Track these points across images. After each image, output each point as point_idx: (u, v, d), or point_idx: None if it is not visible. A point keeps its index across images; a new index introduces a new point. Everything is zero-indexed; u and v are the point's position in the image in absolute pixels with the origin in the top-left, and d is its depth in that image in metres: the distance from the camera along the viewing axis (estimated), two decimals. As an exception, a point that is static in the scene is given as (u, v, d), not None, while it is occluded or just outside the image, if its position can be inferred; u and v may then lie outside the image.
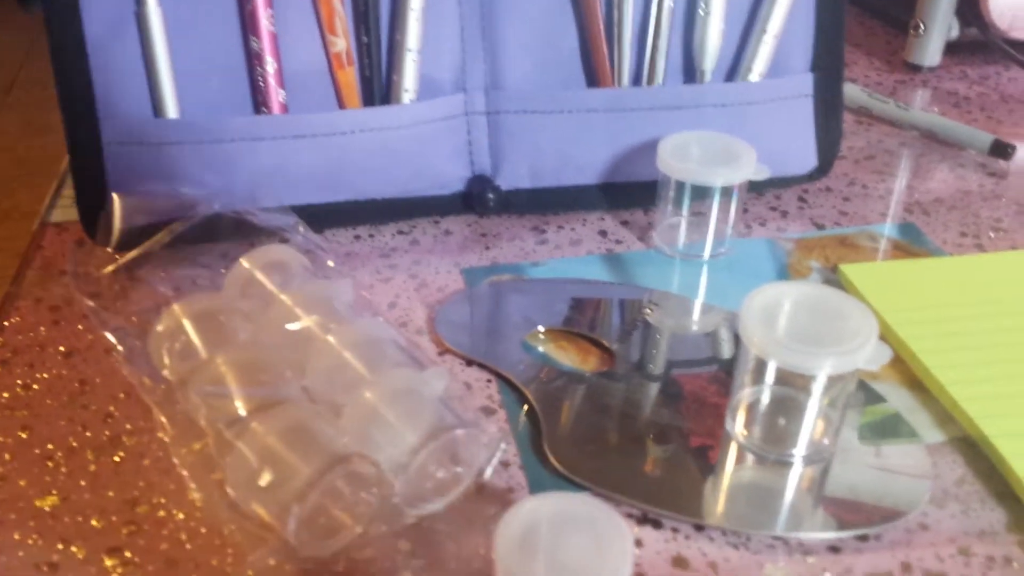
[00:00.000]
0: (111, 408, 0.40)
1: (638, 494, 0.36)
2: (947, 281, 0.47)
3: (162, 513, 0.35)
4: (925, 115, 0.63)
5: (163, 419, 0.37)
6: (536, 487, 0.37)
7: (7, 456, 0.38)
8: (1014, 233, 0.53)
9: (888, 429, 0.39)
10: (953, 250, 0.51)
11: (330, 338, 0.38)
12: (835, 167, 0.57)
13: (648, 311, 0.46)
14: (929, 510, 0.35)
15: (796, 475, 0.37)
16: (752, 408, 0.39)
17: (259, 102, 0.50)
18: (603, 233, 0.53)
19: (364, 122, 0.50)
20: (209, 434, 0.35)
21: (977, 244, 0.52)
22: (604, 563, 0.28)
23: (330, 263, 0.46)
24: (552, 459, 0.37)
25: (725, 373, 0.42)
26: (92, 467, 0.37)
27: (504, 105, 0.52)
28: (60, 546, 0.34)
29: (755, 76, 0.54)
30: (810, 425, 0.37)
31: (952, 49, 0.73)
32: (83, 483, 0.36)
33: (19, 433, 0.39)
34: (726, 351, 0.44)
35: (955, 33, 0.71)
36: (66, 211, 0.54)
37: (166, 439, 0.37)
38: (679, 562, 0.34)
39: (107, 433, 0.39)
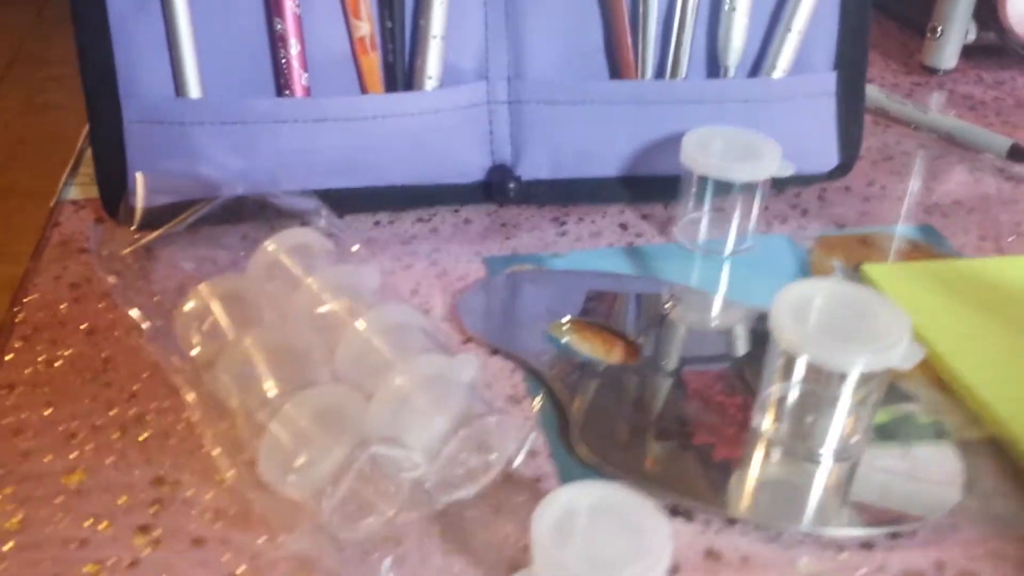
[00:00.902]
0: (134, 387, 0.40)
1: (669, 486, 0.36)
2: (971, 283, 0.47)
3: (190, 492, 0.35)
4: (944, 118, 0.64)
5: (190, 399, 0.37)
6: (565, 476, 0.37)
7: (32, 433, 0.37)
8: (1033, 238, 0.53)
9: (917, 429, 0.39)
10: (973, 253, 0.51)
11: (359, 323, 0.38)
12: (854, 167, 0.57)
13: (668, 305, 0.46)
14: (960, 510, 0.36)
15: (826, 472, 0.37)
16: (780, 404, 0.39)
17: (282, 84, 0.49)
18: (623, 226, 0.53)
19: (386, 108, 0.50)
20: (238, 415, 0.35)
21: (997, 248, 0.52)
22: (642, 553, 0.28)
23: (354, 248, 0.45)
24: (579, 449, 0.37)
25: (742, 369, 0.42)
26: (117, 445, 0.37)
27: (526, 95, 0.52)
28: (88, 523, 0.34)
29: (778, 73, 0.54)
30: (840, 423, 0.37)
31: (968, 53, 0.73)
32: (109, 461, 0.36)
33: (43, 410, 0.38)
34: (744, 347, 0.44)
35: (972, 37, 0.72)
36: (84, 189, 0.53)
37: (193, 419, 0.37)
38: (711, 555, 0.34)
39: (131, 411, 0.39)
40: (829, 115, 0.55)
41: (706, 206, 0.51)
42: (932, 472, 0.37)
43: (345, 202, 0.51)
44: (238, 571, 0.32)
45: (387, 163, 0.51)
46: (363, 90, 0.51)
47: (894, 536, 0.34)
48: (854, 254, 0.51)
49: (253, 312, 0.40)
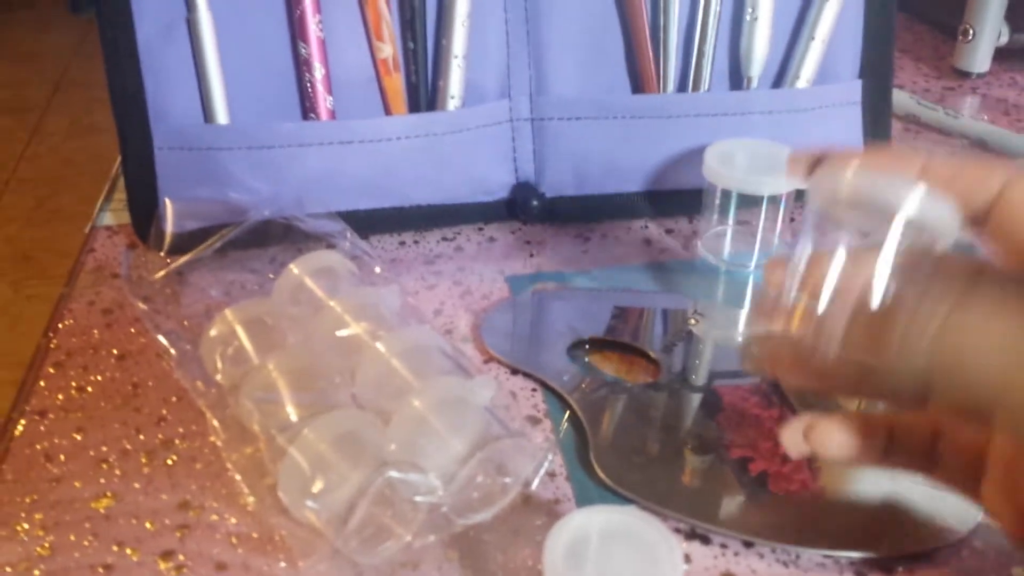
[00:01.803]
0: (163, 411, 0.41)
1: (686, 508, 0.36)
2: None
3: (214, 517, 0.36)
4: (975, 123, 0.63)
5: (215, 423, 0.37)
6: (583, 499, 0.37)
7: (62, 457, 0.38)
8: (1067, 244, 0.52)
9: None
10: (1004, 261, 0.51)
11: (379, 345, 0.38)
12: (883, 175, 0.56)
13: (693, 321, 0.46)
14: (981, 530, 0.35)
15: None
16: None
17: (307, 108, 0.50)
18: (647, 242, 0.53)
19: (410, 128, 0.50)
20: (261, 439, 0.36)
21: (1029, 255, 0.51)
22: (654, 578, 0.28)
23: (377, 269, 0.46)
24: (599, 471, 0.37)
25: (768, 385, 0.42)
26: (145, 470, 0.38)
27: (549, 111, 0.52)
28: (115, 548, 0.35)
29: (803, 83, 0.53)
30: None
31: (1002, 55, 0.72)
32: (137, 485, 0.37)
33: (74, 435, 0.39)
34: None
35: (1004, 39, 0.70)
36: (117, 214, 0.55)
37: (218, 443, 0.37)
38: (728, 578, 0.33)
39: (160, 436, 0.39)
40: (855, 125, 0.54)
41: (730, 220, 0.51)
42: (951, 495, 0.36)
43: (371, 223, 0.52)
44: (261, 595, 0.33)
45: (412, 183, 0.51)
46: (387, 111, 0.51)
47: (915, 558, 0.34)
48: (882, 265, 0.50)
49: (277, 336, 0.41)
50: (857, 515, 0.36)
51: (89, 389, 0.42)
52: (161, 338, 0.42)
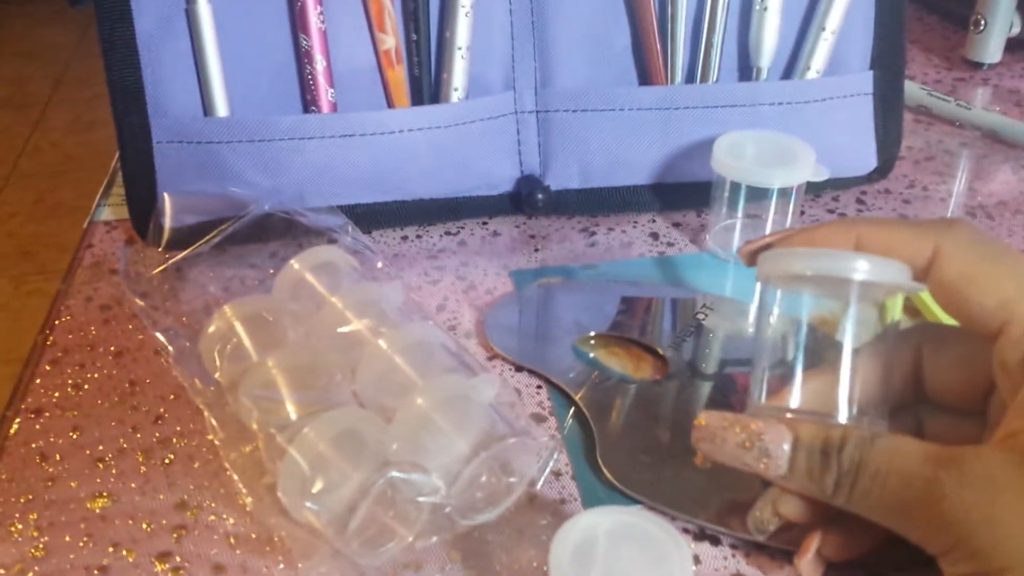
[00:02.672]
0: (161, 409, 0.40)
1: (694, 509, 0.35)
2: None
3: (212, 517, 0.35)
4: (987, 114, 0.61)
5: (213, 422, 0.37)
6: (589, 498, 0.36)
7: (58, 456, 0.38)
8: (1082, 238, 0.51)
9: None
10: (1019, 255, 0.50)
11: (381, 342, 0.37)
12: (894, 168, 0.55)
13: (702, 315, 0.45)
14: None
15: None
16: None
17: (308, 101, 0.49)
18: (654, 235, 0.52)
19: (413, 121, 0.50)
20: (260, 438, 0.35)
21: (1044, 249, 0.50)
22: (664, 581, 0.27)
23: (379, 264, 0.45)
24: (605, 470, 0.36)
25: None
26: (142, 469, 0.37)
27: (554, 104, 0.52)
28: (111, 549, 0.34)
29: (813, 74, 0.52)
30: None
31: (1013, 46, 0.71)
32: (133, 485, 0.36)
33: (70, 434, 0.39)
34: (785, 354, 0.43)
35: (1016, 30, 0.69)
36: (115, 209, 0.54)
37: (216, 442, 0.37)
38: (739, 579, 0.33)
39: (157, 435, 0.39)
40: (866, 116, 0.53)
41: (739, 213, 0.50)
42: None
43: (373, 217, 0.51)
44: (260, 597, 0.32)
45: (414, 177, 0.50)
46: (389, 104, 0.51)
47: (927, 563, 0.33)
48: (894, 259, 0.49)
49: (277, 332, 0.40)
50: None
51: (86, 387, 0.41)
52: (159, 335, 0.41)
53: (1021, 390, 0.28)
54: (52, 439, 0.38)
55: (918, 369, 0.33)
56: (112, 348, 0.43)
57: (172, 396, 0.41)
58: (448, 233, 0.52)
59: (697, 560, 0.33)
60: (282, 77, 0.49)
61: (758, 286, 0.34)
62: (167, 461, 0.37)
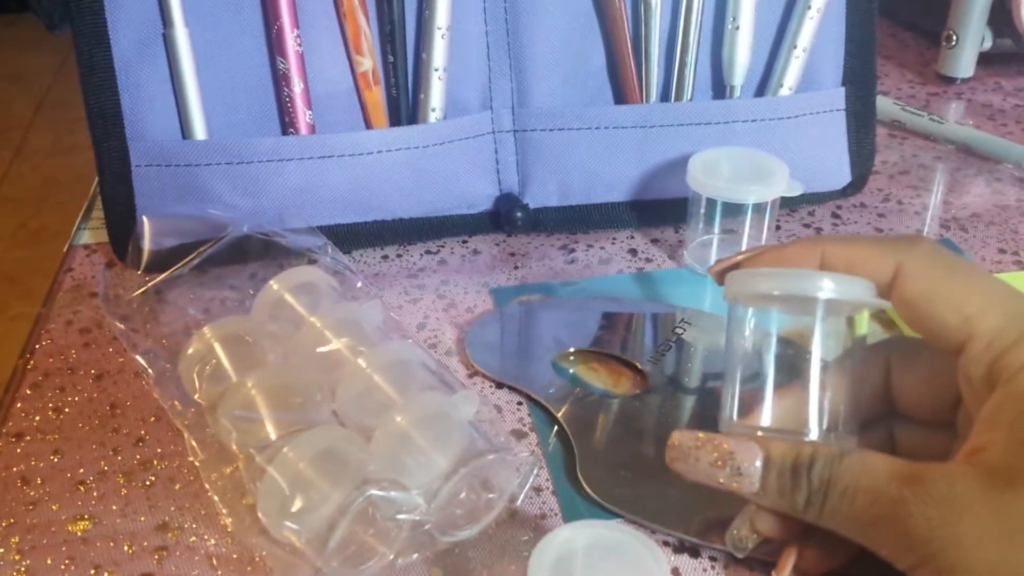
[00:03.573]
0: (142, 432, 0.40)
1: (674, 522, 0.35)
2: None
3: (193, 539, 0.35)
4: (960, 128, 0.62)
5: (193, 443, 0.37)
6: (569, 513, 0.36)
7: (39, 480, 0.38)
8: (1053, 248, 0.52)
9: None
10: (992, 267, 0.50)
11: (360, 361, 0.38)
12: (869, 182, 0.56)
13: (681, 330, 0.46)
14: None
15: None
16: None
17: (286, 123, 0.50)
18: (633, 252, 0.52)
19: (391, 142, 0.50)
20: (240, 458, 0.35)
21: (1016, 260, 0.51)
22: (641, 594, 0.28)
23: (359, 284, 0.45)
24: (585, 485, 0.37)
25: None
26: (123, 491, 0.37)
27: (531, 123, 0.52)
28: (92, 571, 0.34)
29: (785, 91, 0.53)
30: None
31: (987, 60, 0.72)
32: (115, 508, 0.36)
33: (51, 457, 0.39)
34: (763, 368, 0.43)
35: (988, 44, 0.70)
36: (95, 233, 0.54)
37: (196, 463, 0.37)
38: (717, 591, 0.33)
39: (138, 457, 0.39)
40: (839, 132, 0.54)
41: (716, 229, 0.50)
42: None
43: (353, 237, 0.51)
44: (241, 618, 0.32)
45: (393, 197, 0.51)
46: (368, 125, 0.51)
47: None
48: (869, 272, 0.50)
49: (256, 353, 0.40)
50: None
51: (67, 410, 0.41)
52: (139, 357, 0.41)
53: (985, 405, 0.29)
54: (33, 463, 0.38)
55: (888, 383, 0.34)
56: (92, 371, 0.43)
57: (153, 418, 0.41)
58: (428, 252, 0.52)
59: (676, 572, 0.34)
60: (260, 100, 0.50)
61: (728, 305, 0.35)
62: (148, 483, 0.37)
